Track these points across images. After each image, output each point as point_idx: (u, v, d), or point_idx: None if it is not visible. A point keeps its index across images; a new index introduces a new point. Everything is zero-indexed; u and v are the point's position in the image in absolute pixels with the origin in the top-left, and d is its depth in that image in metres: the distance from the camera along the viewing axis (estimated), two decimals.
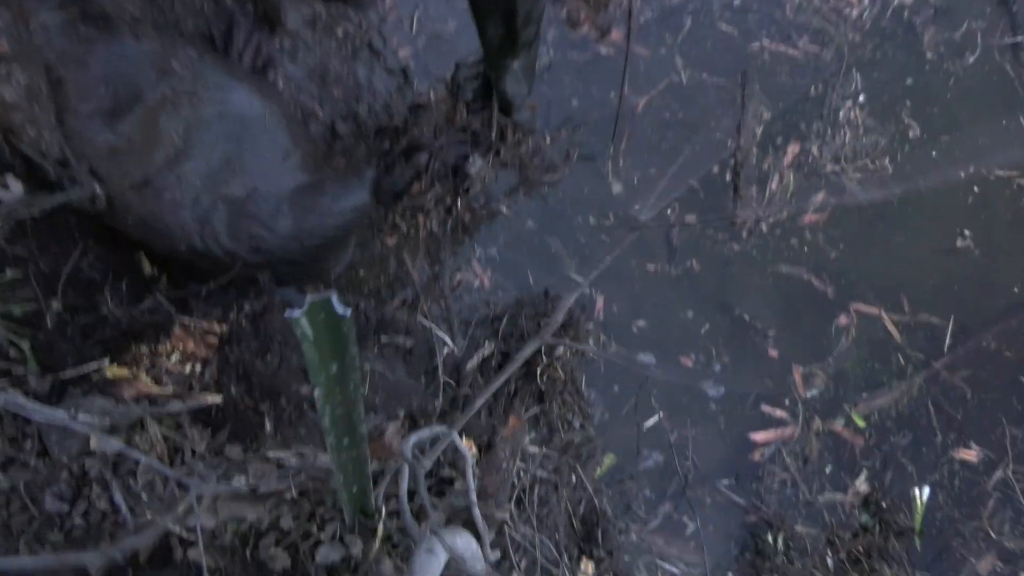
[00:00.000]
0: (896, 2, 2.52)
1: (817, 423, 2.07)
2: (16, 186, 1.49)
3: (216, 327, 1.49)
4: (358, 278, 2.04)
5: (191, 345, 1.45)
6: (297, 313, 0.74)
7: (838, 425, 2.10)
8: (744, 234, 2.24)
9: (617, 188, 2.23)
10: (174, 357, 1.43)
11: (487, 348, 1.70)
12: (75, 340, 1.42)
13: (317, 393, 0.90)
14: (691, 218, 2.27)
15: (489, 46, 1.67)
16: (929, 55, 2.47)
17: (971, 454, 2.11)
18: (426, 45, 2.17)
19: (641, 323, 2.19)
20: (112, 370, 1.34)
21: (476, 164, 1.85)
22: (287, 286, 1.88)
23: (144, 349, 1.41)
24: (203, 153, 1.69)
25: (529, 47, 1.68)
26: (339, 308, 0.75)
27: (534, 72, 1.85)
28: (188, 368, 1.43)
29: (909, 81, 2.46)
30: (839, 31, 2.46)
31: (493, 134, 1.87)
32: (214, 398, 1.33)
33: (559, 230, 2.20)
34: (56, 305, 1.42)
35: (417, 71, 2.14)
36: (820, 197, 2.31)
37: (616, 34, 2.29)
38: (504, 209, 2.13)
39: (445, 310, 1.88)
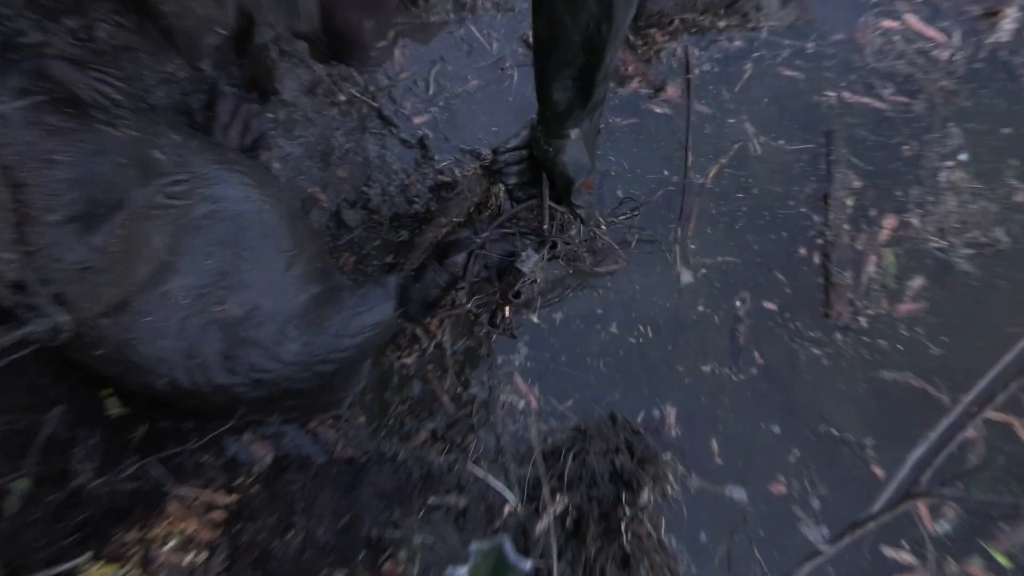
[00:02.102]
0: (990, 41, 2.53)
1: (952, 566, 1.99)
2: None
3: (222, 498, 1.37)
4: (374, 407, 1.94)
5: (192, 525, 1.33)
6: (461, 571, 0.65)
7: (976, 567, 2.03)
8: (838, 332, 2.19)
9: (687, 278, 2.18)
10: (171, 543, 1.31)
11: (558, 504, 1.60)
12: (44, 525, 1.29)
13: None
14: (771, 306, 2.22)
15: (553, 111, 1.61)
16: None
17: None
18: (445, 110, 2.12)
19: (715, 445, 2.11)
20: (97, 570, 1.21)
21: (530, 259, 1.73)
22: (290, 423, 1.77)
23: (133, 534, 1.28)
24: (193, 265, 1.60)
25: (597, 108, 1.63)
26: (515, 560, 0.65)
27: (596, 141, 1.79)
28: (190, 557, 1.30)
29: (1006, 131, 2.47)
30: (929, 77, 2.46)
31: (546, 224, 1.80)
32: None
33: (608, 337, 2.13)
34: (23, 484, 1.30)
35: (436, 142, 2.08)
36: (918, 282, 2.27)
37: (672, 89, 2.27)
38: (535, 318, 2.05)
39: (495, 450, 1.77)
